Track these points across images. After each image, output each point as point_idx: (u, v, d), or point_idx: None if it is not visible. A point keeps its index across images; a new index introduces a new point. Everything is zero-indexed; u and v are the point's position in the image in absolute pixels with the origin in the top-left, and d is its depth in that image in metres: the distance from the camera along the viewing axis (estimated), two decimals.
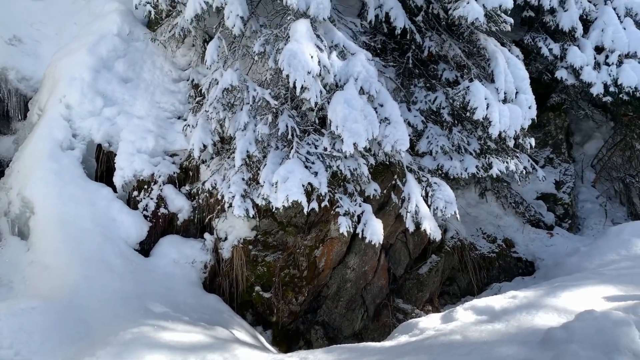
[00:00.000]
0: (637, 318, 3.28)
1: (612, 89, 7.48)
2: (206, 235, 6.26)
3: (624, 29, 7.57)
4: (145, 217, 6.09)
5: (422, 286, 6.69)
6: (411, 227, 5.87)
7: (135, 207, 6.13)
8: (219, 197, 5.76)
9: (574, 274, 5.64)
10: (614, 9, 7.72)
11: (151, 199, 6.17)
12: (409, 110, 6.53)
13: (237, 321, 5.67)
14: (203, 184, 6.03)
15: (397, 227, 6.46)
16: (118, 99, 6.44)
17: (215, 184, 5.88)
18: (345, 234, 5.51)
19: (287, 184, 5.02)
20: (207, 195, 6.06)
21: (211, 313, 5.49)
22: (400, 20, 6.25)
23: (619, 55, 7.50)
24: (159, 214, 6.16)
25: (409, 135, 5.76)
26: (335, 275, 6.17)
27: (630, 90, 7.41)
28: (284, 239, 6.12)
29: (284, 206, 5.06)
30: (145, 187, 6.19)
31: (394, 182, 6.13)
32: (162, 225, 6.18)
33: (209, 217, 6.22)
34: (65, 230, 5.45)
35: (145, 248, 5.99)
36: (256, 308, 6.09)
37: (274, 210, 5.41)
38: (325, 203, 5.34)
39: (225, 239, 6.20)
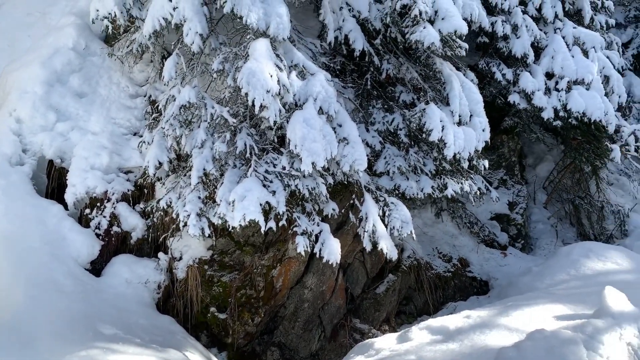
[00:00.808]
0: (585, 337, 3.36)
1: (561, 113, 7.71)
2: (160, 254, 6.11)
3: (573, 56, 7.84)
4: (98, 235, 5.92)
5: (379, 306, 6.70)
6: (368, 247, 5.88)
7: (87, 225, 5.95)
8: (174, 215, 5.64)
9: (526, 293, 5.76)
10: (563, 37, 8.01)
11: (104, 217, 6.00)
12: (367, 130, 6.61)
13: (191, 343, 5.54)
14: (158, 202, 5.90)
15: (355, 247, 6.48)
16: (72, 114, 6.27)
17: (171, 202, 5.75)
18: (303, 253, 5.47)
19: (244, 203, 4.96)
20: (162, 213, 5.95)
21: (164, 335, 5.34)
22: (359, 42, 6.34)
23: (568, 82, 7.75)
24: (112, 232, 5.99)
25: (367, 155, 5.82)
26: (292, 295, 6.12)
27: (579, 115, 7.66)
28: (240, 259, 6.04)
29: (241, 225, 4.99)
30: (98, 204, 6.02)
31: (352, 201, 6.15)
32: (114, 244, 6.01)
33: (163, 236, 6.09)
34: (10, 249, 5.22)
35: (96, 267, 5.81)
36: (211, 329, 5.97)
37: (230, 229, 5.33)
38: (283, 222, 5.30)
39: (180, 258, 6.07)
